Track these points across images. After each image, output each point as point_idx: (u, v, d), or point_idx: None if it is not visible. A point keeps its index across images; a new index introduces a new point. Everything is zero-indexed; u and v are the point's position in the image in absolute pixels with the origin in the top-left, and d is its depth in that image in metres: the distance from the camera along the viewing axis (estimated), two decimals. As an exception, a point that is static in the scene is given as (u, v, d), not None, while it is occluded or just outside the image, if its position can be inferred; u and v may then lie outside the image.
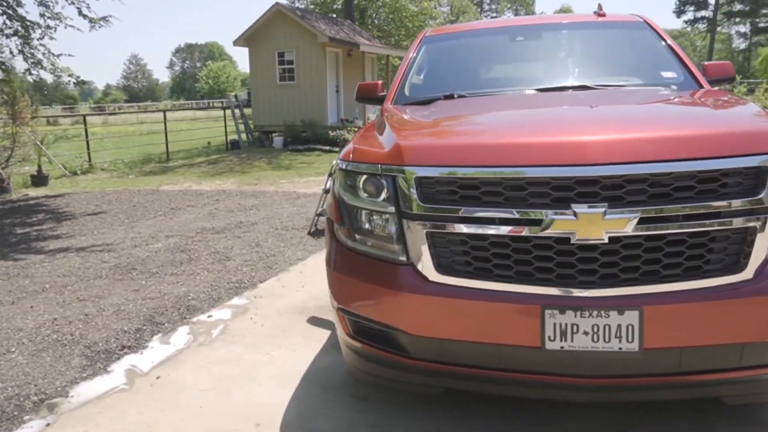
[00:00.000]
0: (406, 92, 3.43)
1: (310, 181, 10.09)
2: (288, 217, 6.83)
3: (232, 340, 3.43)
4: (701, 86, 3.07)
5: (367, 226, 2.26)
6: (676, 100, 2.61)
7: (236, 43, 16.27)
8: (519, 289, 1.97)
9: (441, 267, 2.07)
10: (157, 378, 2.99)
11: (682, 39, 56.06)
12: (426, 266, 2.08)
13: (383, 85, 3.70)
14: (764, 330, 1.90)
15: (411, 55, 3.69)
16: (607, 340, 1.90)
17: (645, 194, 1.90)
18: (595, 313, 1.90)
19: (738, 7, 52.95)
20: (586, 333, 1.91)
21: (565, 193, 1.92)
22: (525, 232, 1.95)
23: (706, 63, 3.30)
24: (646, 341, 1.89)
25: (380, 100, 3.69)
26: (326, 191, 5.99)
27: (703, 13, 54.08)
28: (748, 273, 1.90)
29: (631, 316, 1.89)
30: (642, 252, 1.91)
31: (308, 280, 4.48)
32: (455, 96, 3.17)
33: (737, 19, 54.04)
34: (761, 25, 52.42)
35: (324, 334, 3.45)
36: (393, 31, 27.46)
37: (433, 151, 2.12)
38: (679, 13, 53.87)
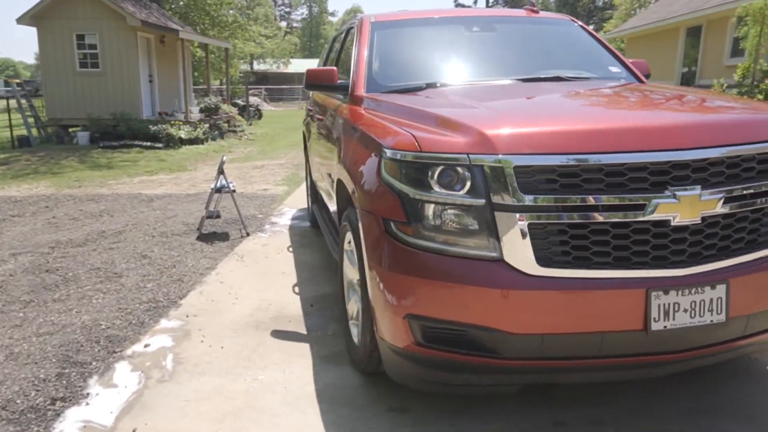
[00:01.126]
0: (378, 80, 3.22)
1: (146, 182, 8.96)
2: (157, 222, 5.98)
3: (198, 370, 2.88)
4: (641, 80, 3.42)
5: (444, 222, 2.06)
6: (688, 92, 2.83)
7: (20, 21, 13.68)
8: (623, 275, 1.98)
9: (542, 260, 1.97)
10: (135, 431, 2.38)
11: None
12: (525, 260, 1.97)
13: (337, 73, 3.41)
14: None
15: (364, 41, 3.47)
16: (702, 315, 2.01)
17: (724, 175, 2.04)
18: (693, 290, 1.99)
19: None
20: (685, 310, 1.99)
21: (661, 177, 1.97)
22: (627, 217, 1.96)
23: (631, 60, 3.67)
24: (731, 311, 2.04)
25: (336, 89, 3.41)
26: (217, 190, 5.38)
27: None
28: None
29: (720, 290, 2.02)
30: (725, 228, 2.05)
31: (238, 291, 3.97)
32: (438, 85, 3.06)
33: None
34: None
35: (301, 348, 3.09)
36: (197, 19, 25.71)
37: (531, 138, 2.00)
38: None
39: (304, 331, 3.32)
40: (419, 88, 3.07)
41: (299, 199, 7.11)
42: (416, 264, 2.10)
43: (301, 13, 70.54)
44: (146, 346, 3.16)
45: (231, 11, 28.84)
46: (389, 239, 2.17)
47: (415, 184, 2.10)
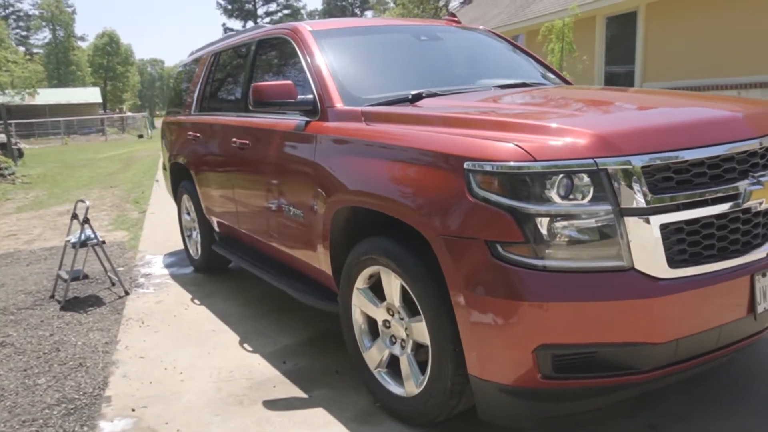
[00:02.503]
0: (353, 93, 2.85)
1: None
2: (-18, 298, 4.55)
3: (210, 476, 2.19)
4: (569, 83, 3.64)
5: (570, 236, 1.86)
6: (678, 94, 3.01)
7: None
8: (732, 264, 2.01)
9: (672, 261, 1.90)
10: None
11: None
12: (656, 264, 1.87)
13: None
14: None
15: (314, 52, 3.06)
16: (790, 288, 2.13)
17: None
18: (783, 268, 2.10)
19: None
20: (779, 288, 2.10)
21: (743, 166, 2.06)
22: (730, 207, 2.00)
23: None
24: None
25: (296, 105, 2.93)
26: (82, 244, 4.29)
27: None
28: None
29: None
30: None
31: (174, 364, 3.18)
32: (424, 95, 2.82)
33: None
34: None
35: (317, 415, 2.57)
36: None
37: (648, 137, 1.91)
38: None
39: (303, 394, 2.77)
40: (404, 99, 2.79)
41: (156, 244, 6.10)
42: (545, 287, 1.85)
43: (42, 37, 62.09)
44: (107, 463, 2.31)
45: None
46: (502, 264, 1.89)
47: (532, 198, 1.86)
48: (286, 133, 3.08)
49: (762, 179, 2.05)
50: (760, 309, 2.04)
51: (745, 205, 2.02)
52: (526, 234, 1.85)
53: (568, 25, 9.31)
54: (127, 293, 4.43)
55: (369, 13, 58.53)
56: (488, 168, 1.90)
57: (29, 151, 25.01)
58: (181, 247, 5.79)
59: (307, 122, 2.92)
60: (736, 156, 2.03)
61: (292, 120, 3.05)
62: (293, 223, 3.06)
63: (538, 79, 3.41)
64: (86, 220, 4.32)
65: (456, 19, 3.94)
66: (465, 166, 1.96)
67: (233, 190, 3.79)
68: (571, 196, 1.85)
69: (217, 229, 4.42)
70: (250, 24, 57.09)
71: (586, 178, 1.84)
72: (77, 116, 41.43)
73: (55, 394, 2.90)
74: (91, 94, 49.76)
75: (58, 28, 59.91)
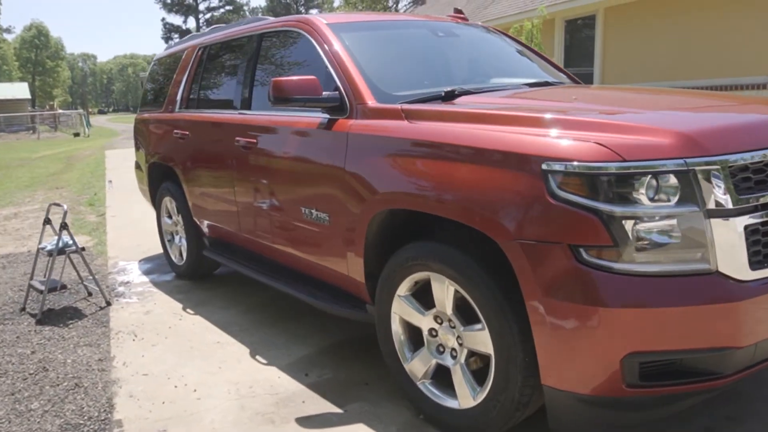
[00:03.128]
0: (383, 89, 2.70)
1: None
2: (-60, 312, 4.09)
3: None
4: (580, 82, 3.63)
5: (657, 239, 1.79)
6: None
7: None
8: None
9: (752, 263, 1.87)
10: None
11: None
12: (739, 266, 1.84)
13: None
14: None
15: (335, 46, 2.89)
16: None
17: None
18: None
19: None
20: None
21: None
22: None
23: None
24: None
25: (321, 102, 2.75)
26: (59, 252, 3.93)
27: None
28: None
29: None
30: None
31: (184, 380, 2.94)
32: (456, 92, 2.71)
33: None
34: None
35: (359, 431, 2.41)
36: None
37: (731, 135, 1.87)
38: (167, 39, 56.47)
39: (337, 409, 2.60)
40: (437, 97, 2.67)
41: (126, 249, 5.71)
42: (633, 293, 1.78)
43: (-38, 27, 57.97)
44: (139, 497, 2.08)
45: None
46: (586, 269, 1.80)
47: (619, 200, 1.78)
48: (305, 131, 2.90)
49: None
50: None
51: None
52: (612, 237, 1.78)
53: (537, 27, 9.42)
54: (109, 304, 4.10)
55: (314, 11, 57.94)
56: (571, 168, 1.81)
57: (-47, 150, 23.23)
58: (156, 252, 5.46)
59: (332, 120, 2.75)
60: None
61: (312, 118, 2.87)
62: (315, 227, 2.88)
63: (557, 78, 3.36)
64: (64, 226, 3.96)
65: (463, 15, 3.85)
66: (543, 166, 1.86)
67: (234, 192, 3.56)
68: (657, 198, 1.79)
69: (207, 233, 4.15)
70: (191, 20, 55.38)
71: (673, 179, 1.79)
72: (4, 113, 38.88)
73: (55, 420, 2.61)
74: (19, 90, 46.88)
75: (-20, 18, 56.09)
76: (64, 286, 4.03)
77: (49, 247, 3.95)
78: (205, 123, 3.87)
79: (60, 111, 45.91)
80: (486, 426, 2.18)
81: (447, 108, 2.41)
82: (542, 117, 2.08)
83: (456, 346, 2.30)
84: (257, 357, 3.17)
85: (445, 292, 2.25)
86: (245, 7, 61.21)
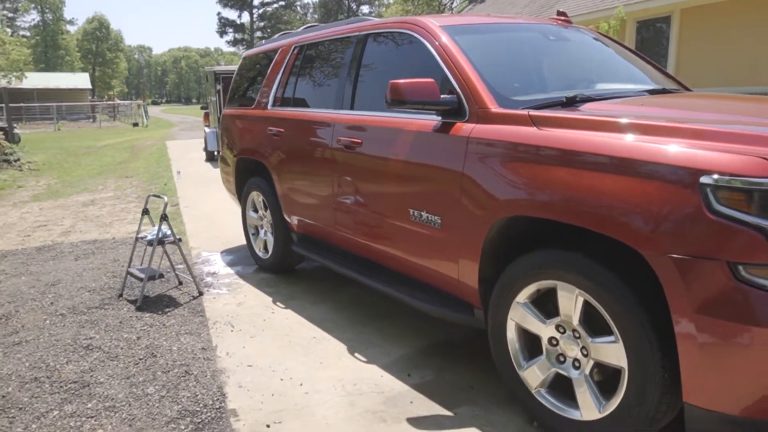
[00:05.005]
0: (504, 94, 2.68)
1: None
2: (44, 295, 4.29)
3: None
4: (688, 88, 3.52)
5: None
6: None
7: None
8: None
9: None
10: None
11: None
12: None
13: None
14: None
15: (451, 49, 2.88)
16: None
17: None
18: None
19: (263, 33, 60.71)
20: None
21: None
22: None
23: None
24: None
25: (439, 105, 2.76)
26: (156, 242, 4.07)
27: (240, 34, 59.53)
28: None
29: None
30: None
31: (289, 374, 3.00)
32: (578, 99, 2.67)
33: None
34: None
35: (471, 436, 2.42)
36: None
37: None
38: (221, 33, 57.79)
39: (446, 411, 2.61)
40: (558, 102, 2.64)
41: (207, 240, 5.88)
42: (788, 313, 1.72)
43: (31, 19, 60.70)
44: (269, 488, 2.13)
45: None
46: (745, 288, 1.75)
47: (774, 215, 1.72)
48: (420, 134, 2.91)
49: None
50: None
51: None
52: (773, 254, 1.72)
53: (614, 28, 9.19)
54: (201, 293, 4.23)
55: (365, 8, 58.15)
56: (734, 183, 1.76)
57: (24, 136, 24.40)
58: (236, 243, 5.60)
59: (449, 123, 2.76)
60: None
61: (424, 120, 2.88)
62: (425, 230, 2.89)
63: (672, 85, 3.28)
64: (164, 217, 4.10)
65: (568, 18, 3.78)
66: (702, 180, 1.81)
67: (333, 190, 3.60)
68: (818, 214, 1.72)
69: (296, 228, 4.23)
70: (245, 15, 56.39)
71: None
72: (66, 101, 40.55)
73: (174, 406, 2.71)
74: (81, 80, 48.74)
75: (46, 10, 58.61)
76: (161, 275, 4.17)
77: (149, 237, 4.10)
78: (304, 121, 3.93)
79: (118, 101, 47.54)
80: (612, 439, 2.15)
81: (580, 116, 2.37)
82: (692, 128, 2.03)
83: (580, 356, 2.27)
84: (356, 354, 3.21)
85: (573, 302, 2.23)
86: (297, 3, 61.96)
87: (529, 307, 2.43)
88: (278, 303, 4.05)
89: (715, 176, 1.80)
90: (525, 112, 2.48)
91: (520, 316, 2.46)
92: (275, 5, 57.87)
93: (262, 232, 4.79)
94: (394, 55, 3.35)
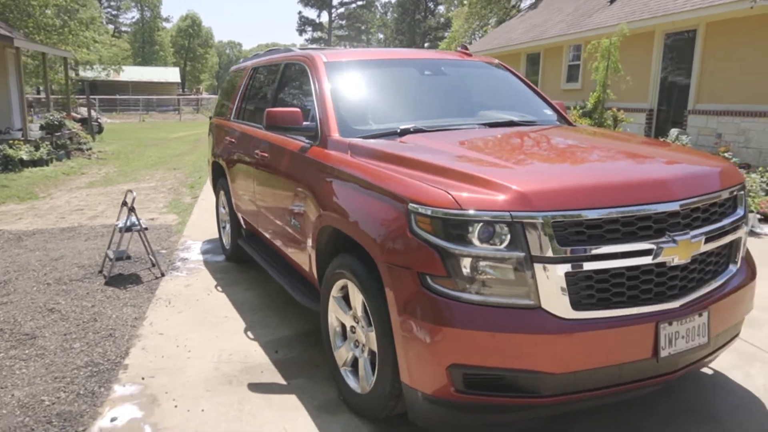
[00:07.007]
0: (350, 124, 3.24)
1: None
2: (45, 267, 5.26)
3: (189, 440, 2.67)
4: (570, 123, 3.87)
5: (486, 275, 2.19)
6: (642, 141, 3.22)
7: None
8: (639, 311, 2.27)
9: (575, 304, 2.19)
10: None
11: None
12: (561, 306, 2.17)
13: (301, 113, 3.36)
14: (750, 305, 2.71)
15: (323, 82, 3.46)
16: (693, 339, 2.38)
17: (700, 219, 2.44)
18: (688, 319, 2.35)
19: (341, 32, 62.37)
20: (683, 337, 2.34)
21: (661, 225, 2.30)
22: (641, 261, 2.26)
23: (555, 101, 4.10)
24: (711, 332, 2.44)
25: (302, 130, 3.36)
26: (127, 229, 4.91)
27: (319, 33, 61.66)
28: (738, 265, 2.66)
29: (704, 316, 2.41)
30: (702, 264, 2.45)
31: (186, 343, 3.70)
32: (412, 130, 3.18)
33: (345, 43, 63.55)
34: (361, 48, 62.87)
35: (289, 400, 3.00)
36: (17, 23, 22.75)
37: (565, 195, 2.20)
38: (301, 32, 60.14)
39: (283, 381, 3.21)
40: (393, 133, 3.15)
41: (200, 230, 6.72)
42: (460, 316, 2.20)
43: (131, 17, 65.70)
44: (113, 420, 2.84)
45: (55, 12, 25.96)
46: (428, 293, 2.24)
47: (454, 240, 2.20)
48: (293, 153, 3.52)
49: (678, 238, 2.29)
50: (663, 353, 2.30)
51: (658, 261, 2.27)
52: (448, 270, 2.20)
53: (614, 45, 9.25)
54: (162, 275, 5.03)
55: (441, 8, 58.32)
56: (425, 211, 2.26)
57: (109, 125, 26.87)
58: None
59: (308, 146, 3.34)
60: (653, 215, 2.28)
61: (300, 142, 3.48)
62: (293, 232, 3.50)
63: (528, 117, 3.67)
64: (132, 209, 4.94)
65: (467, 51, 4.23)
66: (409, 206, 2.32)
67: (254, 194, 4.28)
68: (491, 241, 2.18)
69: (243, 225, 4.93)
70: (324, 14, 58.15)
71: (503, 227, 2.16)
72: (157, 94, 43.89)
73: (84, 358, 3.48)
74: (171, 74, 52.40)
75: (145, 8, 63.24)
76: (129, 257, 5.03)
77: (120, 225, 4.95)
78: (243, 133, 4.64)
79: (203, 95, 50.67)
80: (370, 409, 2.68)
81: (372, 145, 2.91)
82: (426, 162, 2.53)
83: (364, 342, 2.81)
84: (248, 333, 3.87)
85: (356, 297, 2.77)
86: (377, 2, 63.09)
87: (339, 300, 2.98)
88: (219, 287, 4.77)
89: (413, 204, 2.29)
90: (347, 140, 3.04)
91: (334, 307, 3.02)
92: (353, 5, 59.43)
93: (228, 226, 5.54)
94: (297, 83, 3.97)
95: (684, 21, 10.26)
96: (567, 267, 2.16)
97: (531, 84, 4.09)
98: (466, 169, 2.43)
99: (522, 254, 2.16)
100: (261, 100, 4.55)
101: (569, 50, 14.92)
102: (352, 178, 2.78)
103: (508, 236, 2.16)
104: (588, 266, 2.19)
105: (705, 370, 3.24)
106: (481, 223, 2.17)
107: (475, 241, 2.18)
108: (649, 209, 2.27)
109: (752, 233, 6.17)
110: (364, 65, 3.72)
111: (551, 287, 2.16)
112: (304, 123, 3.33)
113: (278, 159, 3.76)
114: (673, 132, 9.42)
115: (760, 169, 7.75)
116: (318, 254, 3.17)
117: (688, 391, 3.02)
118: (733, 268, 2.65)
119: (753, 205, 6.24)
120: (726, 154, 7.83)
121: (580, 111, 9.99)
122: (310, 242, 3.22)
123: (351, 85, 3.55)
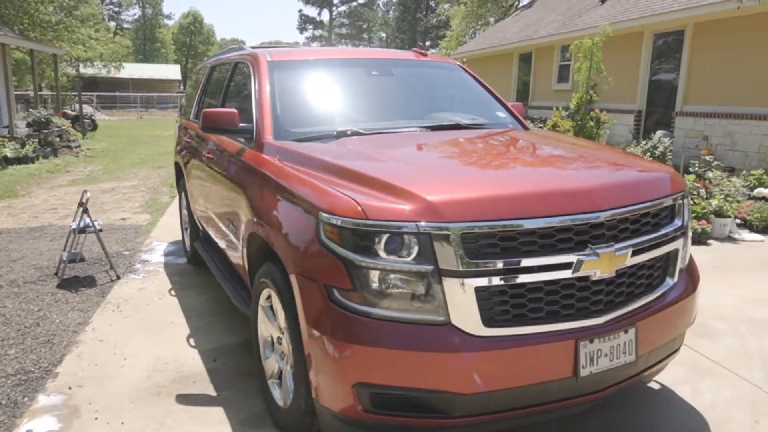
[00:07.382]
0: (285, 126, 3.12)
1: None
2: (1, 267, 5.17)
3: (101, 456, 2.56)
4: (525, 126, 3.74)
5: (392, 288, 2.07)
6: (586, 146, 3.08)
7: None
8: (556, 328, 2.15)
9: (487, 320, 2.07)
10: None
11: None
12: (471, 322, 2.06)
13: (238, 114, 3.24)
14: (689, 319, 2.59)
15: (264, 82, 3.35)
16: (618, 357, 2.26)
17: (628, 231, 2.31)
18: (611, 336, 2.23)
19: (342, 30, 62.24)
20: (606, 355, 2.22)
21: (583, 237, 2.18)
22: (558, 275, 2.14)
23: (510, 104, 3.97)
24: (639, 350, 2.32)
25: (238, 132, 3.24)
26: (80, 231, 4.81)
27: (320, 31, 61.53)
28: (676, 278, 2.53)
29: (631, 333, 2.29)
30: (631, 278, 2.33)
31: (123, 350, 3.60)
32: (349, 132, 3.06)
33: (345, 41, 63.43)
34: (360, 47, 62.72)
35: (214, 413, 2.89)
36: (12, 19, 22.68)
37: (476, 206, 2.08)
38: (301, 30, 59.99)
39: (213, 392, 3.11)
40: (330, 136, 3.04)
41: (168, 231, 6.62)
42: (365, 332, 2.08)
43: (132, 14, 65.73)
44: (28, 432, 2.74)
45: (53, 9, 25.88)
46: (334, 308, 2.13)
47: (361, 251, 2.08)
48: (231, 155, 3.40)
49: (601, 251, 2.17)
50: (584, 372, 2.18)
51: (579, 275, 2.15)
52: (354, 283, 2.09)
53: (596, 45, 9.11)
54: (118, 278, 4.93)
55: (447, 6, 58.06)
56: (330, 220, 2.14)
57: (105, 123, 26.84)
58: (186, 236, 6.29)
59: (245, 148, 3.23)
60: (574, 227, 2.16)
61: (238, 143, 3.37)
62: (233, 236, 3.39)
63: (478, 120, 3.55)
64: (85, 210, 4.84)
65: (423, 51, 4.10)
66: (319, 215, 2.20)
67: (205, 195, 4.17)
68: (399, 254, 2.06)
69: (200, 227, 4.83)
70: (325, 13, 58.02)
71: (411, 239, 2.05)
72: (157, 91, 43.87)
73: (16, 365, 3.38)
74: (172, 71, 52.36)
75: (147, 6, 63.20)
76: (83, 259, 4.93)
77: (73, 226, 4.85)
78: (196, 133, 4.52)
79: (203, 92, 50.59)
80: (291, 426, 2.57)
81: (297, 149, 2.79)
82: (344, 168, 2.41)
83: (288, 354, 2.70)
84: (191, 339, 3.76)
85: (278, 307, 2.65)
86: (378, 1, 62.91)
87: (266, 309, 2.87)
88: (172, 291, 4.67)
89: (324, 214, 2.18)
90: (278, 143, 2.92)
91: (262, 316, 2.91)
92: (354, 3, 59.27)
93: (189, 228, 5.43)
94: (244, 83, 3.85)
95: (672, 21, 10.10)
96: (478, 281, 2.05)
97: (488, 86, 3.97)
98: (384, 176, 2.31)
99: (430, 267, 2.04)
100: (214, 99, 4.44)
101: (560, 50, 14.76)
102: (273, 184, 2.67)
103: (416, 248, 2.04)
104: (501, 281, 2.08)
105: (651, 384, 3.12)
106: (387, 234, 2.05)
107: (382, 253, 2.06)
108: (569, 220, 2.14)
109: (729, 239, 6.03)
110: (309, 65, 3.60)
111: (461, 302, 2.05)
112: (241, 125, 3.22)
113: (220, 161, 3.65)
114: (657, 134, 9.28)
115: (744, 172, 7.61)
116: (249, 261, 3.06)
117: (626, 407, 2.90)
118: (669, 281, 2.52)
119: (731, 210, 6.10)
120: (707, 158, 7.68)
121: (564, 113, 9.84)
122: (244, 248, 3.11)
123: (293, 86, 3.43)
